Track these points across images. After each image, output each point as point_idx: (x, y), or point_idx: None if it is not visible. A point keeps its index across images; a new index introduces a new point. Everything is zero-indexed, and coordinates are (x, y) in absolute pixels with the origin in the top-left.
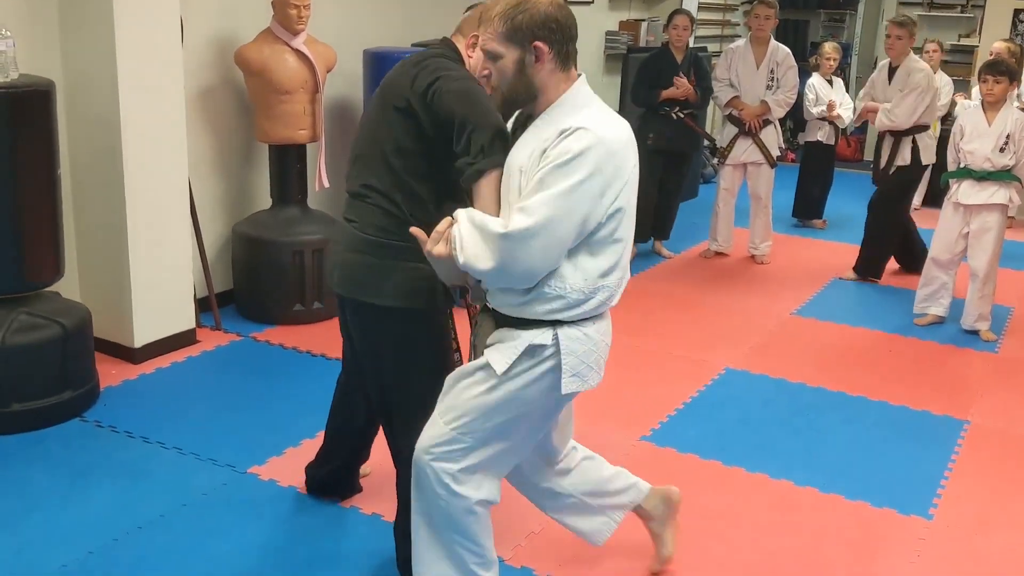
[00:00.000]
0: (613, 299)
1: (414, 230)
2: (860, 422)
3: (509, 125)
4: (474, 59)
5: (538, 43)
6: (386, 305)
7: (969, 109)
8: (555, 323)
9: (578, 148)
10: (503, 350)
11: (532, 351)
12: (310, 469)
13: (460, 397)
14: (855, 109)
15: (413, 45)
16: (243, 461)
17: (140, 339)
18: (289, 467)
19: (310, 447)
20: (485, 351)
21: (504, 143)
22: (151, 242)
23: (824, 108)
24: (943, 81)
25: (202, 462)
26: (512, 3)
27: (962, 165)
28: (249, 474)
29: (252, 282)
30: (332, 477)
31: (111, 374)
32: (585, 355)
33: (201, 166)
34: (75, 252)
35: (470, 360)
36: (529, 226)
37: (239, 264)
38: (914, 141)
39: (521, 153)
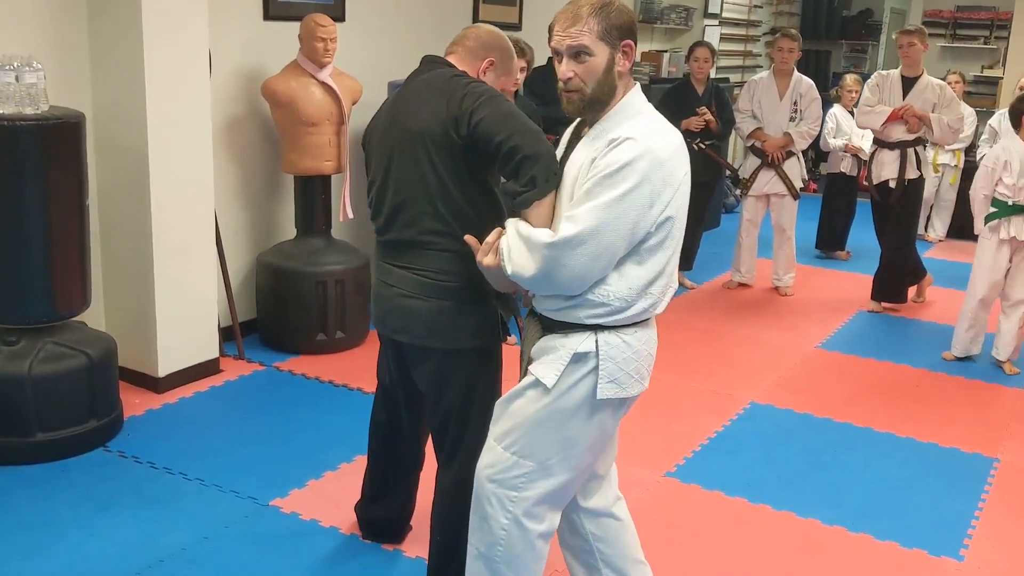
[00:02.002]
0: (658, 307)
1: (468, 238)
2: (888, 459)
3: (567, 138)
4: (560, 68)
5: (628, 41)
6: (457, 348)
7: (1006, 143)
8: (596, 328)
9: (626, 158)
10: (550, 363)
11: (577, 359)
12: (361, 512)
13: (515, 419)
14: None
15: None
16: (265, 493)
17: (164, 369)
18: (311, 500)
19: (332, 479)
20: (531, 367)
21: (555, 169)
22: (176, 272)
23: (844, 142)
24: (966, 112)
25: (224, 494)
26: (598, 2)
27: (1012, 202)
28: (271, 506)
29: (276, 312)
30: (390, 519)
31: (135, 403)
32: (624, 362)
33: (227, 196)
34: (101, 282)
35: (521, 368)
36: (576, 234)
37: (263, 294)
38: (916, 153)
39: (574, 163)
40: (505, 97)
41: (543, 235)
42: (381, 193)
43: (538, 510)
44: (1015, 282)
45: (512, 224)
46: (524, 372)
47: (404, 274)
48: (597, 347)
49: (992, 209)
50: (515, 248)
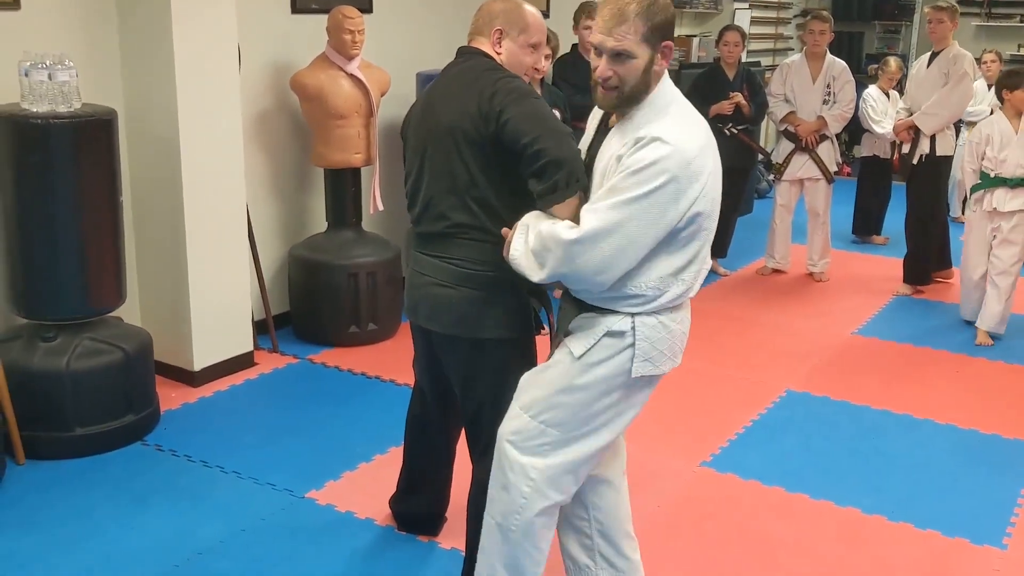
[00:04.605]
0: (691, 291)
1: (505, 230)
2: (928, 446)
3: (594, 124)
4: (597, 64)
5: (669, 42)
6: (485, 337)
7: (990, 118)
8: (632, 314)
9: (652, 157)
10: (582, 337)
11: (611, 336)
12: (396, 505)
13: (544, 389)
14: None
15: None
16: (301, 485)
17: (200, 362)
18: (347, 492)
19: (367, 471)
20: (565, 339)
21: (579, 175)
22: (210, 266)
23: (885, 127)
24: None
25: (260, 486)
26: (644, 1)
27: (994, 174)
28: (307, 499)
29: (308, 304)
30: (424, 512)
31: (171, 397)
32: (659, 342)
33: (258, 190)
34: (136, 277)
35: (552, 345)
36: (597, 228)
37: (295, 287)
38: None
39: (604, 156)
40: (535, 94)
41: (565, 232)
42: (416, 185)
43: (560, 480)
44: (999, 252)
45: (534, 224)
46: (555, 348)
47: (436, 263)
48: (633, 328)
49: (978, 181)
50: (536, 246)
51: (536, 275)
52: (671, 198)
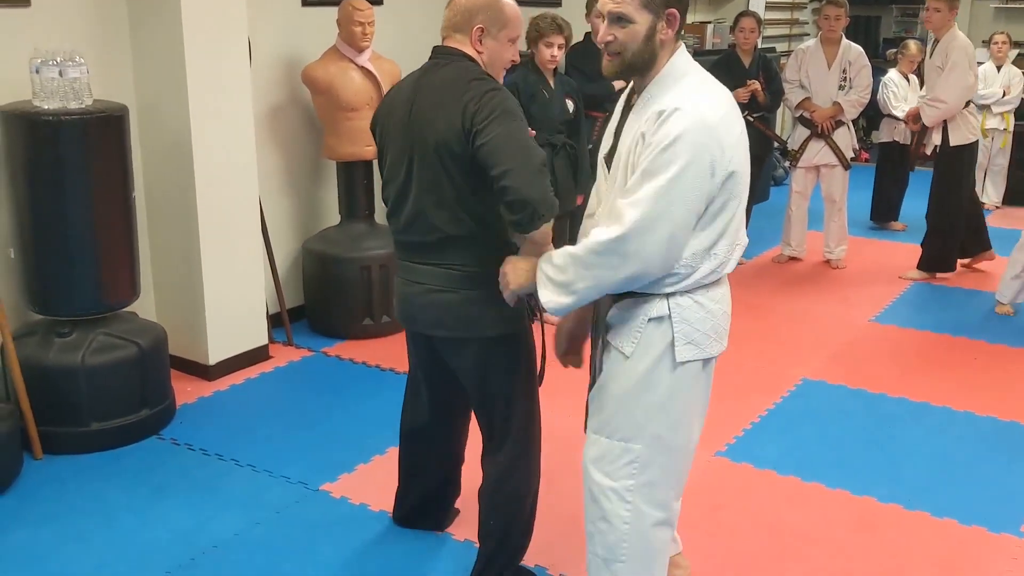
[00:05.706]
0: (726, 266)
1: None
2: (945, 434)
3: (620, 106)
4: (601, 30)
5: (673, 10)
6: (493, 335)
7: None
8: (667, 294)
9: (677, 131)
10: (626, 332)
11: (652, 325)
12: (397, 513)
13: (610, 405)
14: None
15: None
16: (315, 478)
17: (214, 356)
18: (360, 484)
19: (380, 463)
20: (609, 336)
21: (543, 211)
22: (224, 261)
23: (905, 111)
24: (1012, 73)
25: (275, 479)
26: None
27: None
28: (321, 491)
29: (322, 298)
30: (426, 511)
31: (186, 391)
32: (699, 322)
33: (271, 184)
34: (150, 272)
35: (595, 332)
36: (642, 217)
37: (309, 280)
38: (943, 121)
39: (628, 135)
40: (518, 113)
41: (603, 235)
42: (402, 195)
43: (658, 495)
44: None
45: (547, 264)
46: (598, 337)
47: (431, 269)
48: (670, 311)
49: None
50: (572, 276)
51: (591, 294)
52: (706, 170)
